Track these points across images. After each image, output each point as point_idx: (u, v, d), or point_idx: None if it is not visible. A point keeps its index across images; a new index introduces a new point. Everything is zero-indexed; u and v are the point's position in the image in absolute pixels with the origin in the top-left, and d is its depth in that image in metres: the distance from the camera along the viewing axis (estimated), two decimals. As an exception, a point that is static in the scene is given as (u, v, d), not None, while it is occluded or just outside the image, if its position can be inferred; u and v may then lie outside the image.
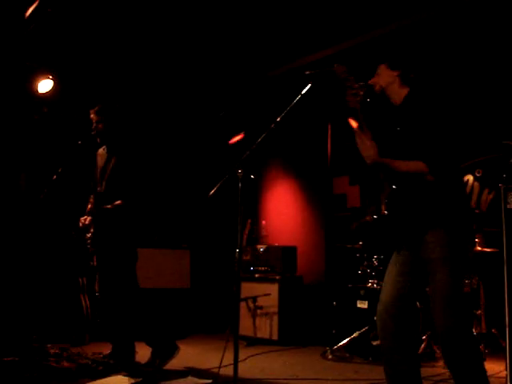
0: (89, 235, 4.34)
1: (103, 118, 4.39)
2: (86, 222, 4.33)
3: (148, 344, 4.36)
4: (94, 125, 4.41)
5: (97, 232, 4.31)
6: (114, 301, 4.33)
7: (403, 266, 2.71)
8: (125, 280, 4.29)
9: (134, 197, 4.31)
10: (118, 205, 4.23)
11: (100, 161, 4.52)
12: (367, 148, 2.70)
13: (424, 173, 2.59)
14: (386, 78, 2.84)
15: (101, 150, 4.56)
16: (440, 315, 2.58)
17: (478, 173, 5.14)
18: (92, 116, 4.41)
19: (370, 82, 2.86)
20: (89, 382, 3.77)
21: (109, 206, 4.23)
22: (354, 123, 2.75)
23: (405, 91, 2.81)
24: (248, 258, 6.26)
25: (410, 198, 2.69)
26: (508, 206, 3.45)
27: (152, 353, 4.32)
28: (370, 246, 5.28)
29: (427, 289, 2.70)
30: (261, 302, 5.83)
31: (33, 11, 4.94)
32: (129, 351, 4.43)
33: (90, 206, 4.46)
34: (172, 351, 4.32)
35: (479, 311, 4.63)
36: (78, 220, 4.40)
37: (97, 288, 5.55)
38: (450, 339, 2.55)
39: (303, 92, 3.03)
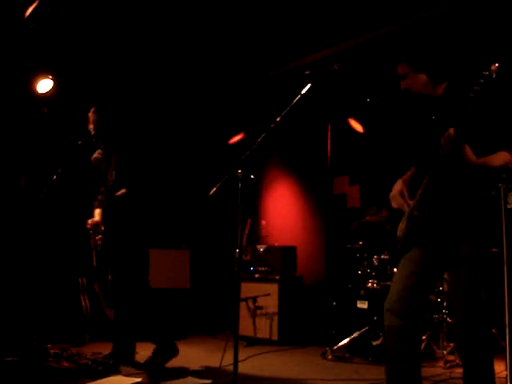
0: (99, 237, 4.34)
1: (101, 118, 4.39)
2: (94, 222, 4.33)
3: (154, 342, 4.36)
4: (92, 125, 4.41)
5: (108, 227, 4.32)
6: (127, 299, 4.36)
7: (416, 265, 2.69)
8: (138, 277, 4.33)
9: (139, 186, 4.32)
10: (124, 193, 4.25)
11: (97, 164, 4.51)
12: None
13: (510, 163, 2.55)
14: (418, 82, 2.74)
15: (96, 155, 4.55)
16: (461, 309, 2.62)
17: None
18: (90, 115, 4.42)
19: (402, 87, 2.77)
20: (89, 382, 3.77)
21: (116, 194, 4.26)
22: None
23: (442, 86, 2.75)
24: (248, 258, 6.26)
25: (454, 199, 2.63)
26: (508, 206, 3.45)
27: (154, 351, 4.33)
28: (370, 246, 5.29)
29: (442, 286, 2.69)
30: (261, 302, 5.83)
31: (33, 11, 4.94)
32: (129, 351, 4.44)
33: (95, 210, 4.48)
34: (173, 352, 4.34)
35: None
36: (85, 222, 4.39)
37: (97, 288, 5.57)
38: (468, 333, 2.60)
39: (303, 92, 3.03)
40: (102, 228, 4.30)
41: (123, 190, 4.27)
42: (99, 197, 4.36)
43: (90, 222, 4.35)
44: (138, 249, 4.38)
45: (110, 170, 4.38)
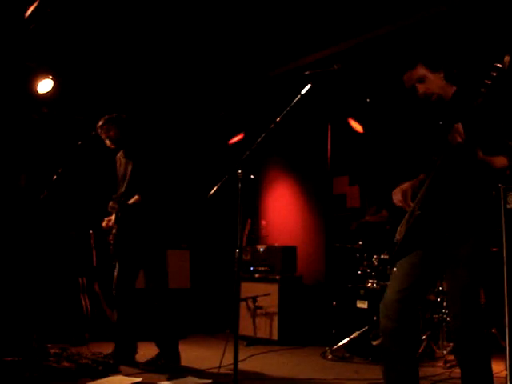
0: (111, 237, 4.38)
1: (120, 127, 4.48)
2: (110, 224, 4.38)
3: (158, 346, 4.36)
4: (108, 139, 4.46)
5: (120, 229, 4.37)
6: (131, 298, 4.42)
7: (412, 268, 2.69)
8: (159, 280, 4.36)
9: (152, 191, 4.37)
10: (137, 199, 4.30)
11: (119, 165, 4.60)
12: None
13: (506, 167, 2.55)
14: (438, 83, 2.66)
15: (119, 155, 4.63)
16: (457, 310, 2.61)
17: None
18: (102, 131, 4.47)
19: (420, 92, 2.67)
20: (89, 381, 3.78)
21: (129, 202, 4.30)
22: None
23: (452, 89, 2.70)
24: (248, 258, 6.26)
25: (456, 199, 2.63)
26: (508, 206, 3.45)
27: (157, 355, 4.33)
28: (370, 246, 5.29)
29: (442, 286, 2.67)
30: (261, 302, 5.83)
31: (33, 11, 4.94)
32: (131, 350, 4.45)
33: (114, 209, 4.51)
34: (176, 360, 4.34)
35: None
36: (102, 220, 4.46)
37: (97, 288, 5.58)
38: (466, 334, 2.59)
39: (303, 92, 3.03)
40: (114, 231, 4.37)
41: (136, 197, 4.31)
42: (110, 203, 4.38)
43: (106, 219, 4.42)
44: (156, 252, 4.41)
45: (128, 173, 4.43)
